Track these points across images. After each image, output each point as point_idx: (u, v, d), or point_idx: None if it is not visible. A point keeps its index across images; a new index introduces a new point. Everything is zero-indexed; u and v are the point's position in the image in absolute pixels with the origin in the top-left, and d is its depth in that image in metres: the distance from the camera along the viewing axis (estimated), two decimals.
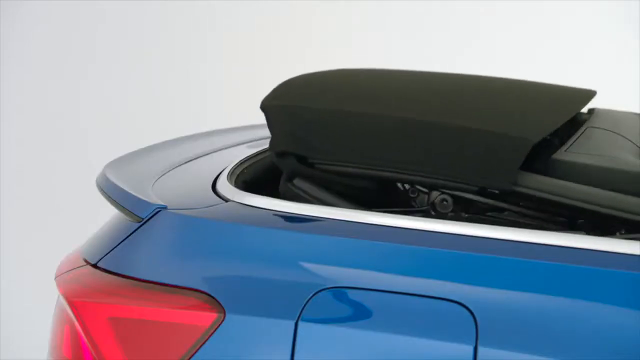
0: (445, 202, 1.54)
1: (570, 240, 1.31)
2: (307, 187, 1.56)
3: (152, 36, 3.78)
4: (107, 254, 1.47)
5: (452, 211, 1.54)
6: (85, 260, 1.51)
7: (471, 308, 1.25)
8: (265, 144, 1.90)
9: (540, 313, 1.24)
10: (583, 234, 1.40)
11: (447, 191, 1.54)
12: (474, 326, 1.24)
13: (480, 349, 1.23)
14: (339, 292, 1.30)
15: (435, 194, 1.54)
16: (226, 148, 1.95)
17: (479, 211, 1.56)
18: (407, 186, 1.56)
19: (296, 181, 1.57)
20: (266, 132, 2.15)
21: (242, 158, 1.75)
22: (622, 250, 1.28)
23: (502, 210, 1.55)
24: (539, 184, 1.49)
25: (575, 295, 1.25)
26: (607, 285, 1.25)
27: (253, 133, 2.15)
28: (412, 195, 1.56)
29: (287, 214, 1.42)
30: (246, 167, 1.71)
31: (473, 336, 1.24)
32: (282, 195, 1.61)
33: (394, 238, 1.35)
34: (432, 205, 1.54)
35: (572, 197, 1.48)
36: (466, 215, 1.54)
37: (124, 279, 1.41)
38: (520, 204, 1.53)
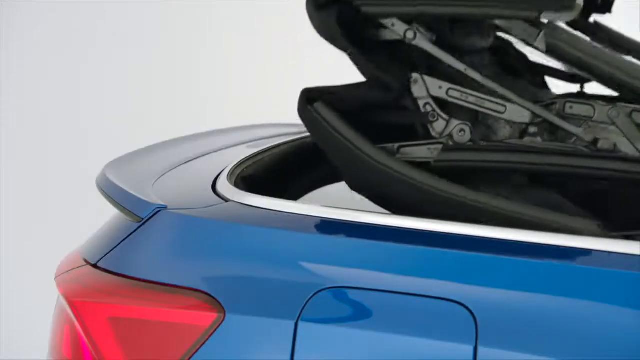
0: (462, 132, 1.51)
1: (571, 240, 1.31)
2: (326, 113, 1.51)
3: (152, 36, 3.78)
4: (107, 254, 1.47)
5: (470, 140, 1.51)
6: (85, 260, 1.51)
7: (471, 308, 1.25)
8: (265, 144, 1.90)
9: (540, 313, 1.24)
10: (589, 230, 1.39)
11: (478, 106, 1.52)
12: (474, 326, 1.24)
13: (480, 349, 1.23)
14: (339, 292, 1.30)
15: (454, 122, 1.51)
16: (226, 148, 1.95)
17: (497, 139, 1.54)
18: (428, 108, 1.52)
19: (317, 105, 1.53)
20: (266, 132, 2.15)
21: (242, 158, 1.75)
22: (622, 250, 1.28)
23: (521, 135, 1.53)
24: (577, 41, 1.46)
25: (575, 295, 1.25)
26: (607, 285, 1.25)
27: (253, 133, 2.15)
28: (431, 120, 1.51)
29: (287, 214, 1.41)
30: (246, 167, 1.71)
31: (473, 336, 1.24)
32: (301, 119, 1.58)
33: (394, 238, 1.35)
34: (450, 136, 1.51)
35: (614, 66, 1.46)
36: (485, 144, 1.52)
37: (124, 279, 1.41)
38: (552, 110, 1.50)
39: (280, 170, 1.80)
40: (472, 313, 1.25)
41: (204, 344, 1.32)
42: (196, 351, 1.32)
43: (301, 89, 1.58)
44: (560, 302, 1.24)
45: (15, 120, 3.71)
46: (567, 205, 1.50)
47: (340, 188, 1.90)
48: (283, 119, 2.37)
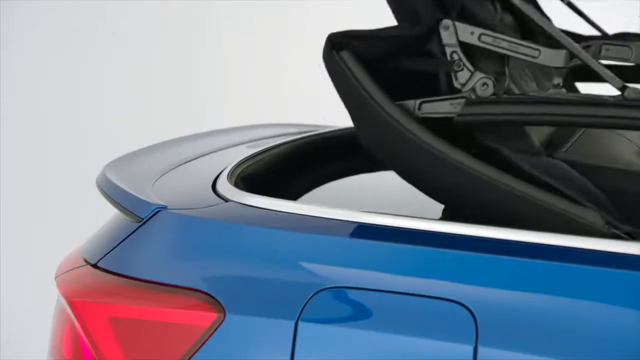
0: (485, 86, 1.49)
1: (570, 240, 1.31)
2: (351, 63, 1.49)
3: (152, 36, 3.78)
4: (107, 254, 1.47)
5: (493, 94, 1.49)
6: (85, 260, 1.51)
7: (471, 308, 1.25)
8: (265, 144, 1.90)
9: (540, 313, 1.24)
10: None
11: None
12: (474, 326, 1.24)
13: (480, 349, 1.23)
14: (339, 292, 1.30)
15: (478, 75, 1.49)
16: (226, 148, 1.95)
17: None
18: (455, 56, 1.51)
19: (343, 54, 1.50)
20: (266, 132, 2.15)
21: (242, 158, 1.75)
22: (622, 250, 1.28)
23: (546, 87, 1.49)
24: None
25: (575, 295, 1.25)
26: (607, 285, 1.25)
27: (253, 133, 2.15)
28: (456, 69, 1.50)
29: (287, 214, 1.41)
30: (246, 167, 1.71)
31: (473, 336, 1.24)
32: (325, 66, 1.55)
33: (394, 238, 1.34)
34: (472, 90, 1.50)
35: None
36: (505, 96, 1.50)
37: (124, 279, 1.41)
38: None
39: (280, 170, 1.80)
40: (472, 313, 1.25)
41: (204, 344, 1.32)
42: (196, 351, 1.32)
43: (327, 35, 1.54)
44: (560, 302, 1.24)
45: (15, 120, 3.71)
46: (585, 186, 1.49)
47: (341, 187, 1.90)
48: (283, 119, 2.37)
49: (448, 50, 1.51)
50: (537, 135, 1.56)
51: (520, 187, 1.40)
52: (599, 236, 1.33)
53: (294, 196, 1.72)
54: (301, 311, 1.29)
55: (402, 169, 1.54)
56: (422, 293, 1.28)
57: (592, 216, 1.37)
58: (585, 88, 1.94)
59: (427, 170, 1.47)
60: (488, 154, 1.47)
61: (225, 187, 1.54)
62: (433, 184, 1.51)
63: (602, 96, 1.45)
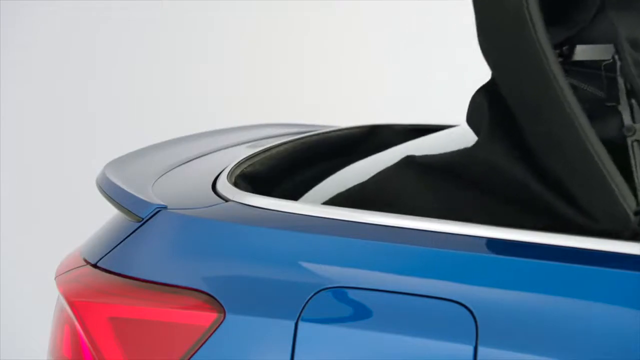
0: None
1: (571, 240, 1.30)
2: None
3: (152, 36, 3.78)
4: (107, 254, 1.47)
5: None
6: (85, 260, 1.51)
7: (471, 308, 1.25)
8: (265, 144, 1.90)
9: (541, 313, 1.24)
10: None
11: None
12: (474, 326, 1.24)
13: (480, 349, 1.23)
14: (339, 292, 1.30)
15: None
16: (226, 148, 1.95)
17: None
18: None
19: None
20: (266, 132, 2.15)
21: (242, 158, 1.75)
22: (622, 250, 1.28)
23: None
24: None
25: (575, 295, 1.25)
26: (607, 285, 1.25)
27: (253, 133, 2.15)
28: None
29: (287, 214, 1.41)
30: (246, 167, 1.71)
31: (473, 336, 1.24)
32: None
33: (394, 238, 1.34)
34: None
35: None
36: None
37: (124, 279, 1.41)
38: None
39: (281, 170, 1.80)
40: (472, 313, 1.25)
41: (204, 344, 1.32)
42: (196, 351, 1.32)
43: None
44: (560, 302, 1.24)
45: (15, 120, 3.71)
46: None
47: (341, 186, 1.90)
48: (283, 119, 2.37)
49: None
50: None
51: (595, 144, 1.27)
52: (604, 234, 1.32)
53: (294, 196, 1.72)
54: (301, 311, 1.29)
55: (498, 58, 1.37)
56: (422, 293, 1.28)
57: (630, 199, 1.28)
58: None
59: (522, 76, 1.31)
60: (606, 37, 1.34)
61: (226, 187, 1.54)
62: (521, 89, 1.34)
63: None
